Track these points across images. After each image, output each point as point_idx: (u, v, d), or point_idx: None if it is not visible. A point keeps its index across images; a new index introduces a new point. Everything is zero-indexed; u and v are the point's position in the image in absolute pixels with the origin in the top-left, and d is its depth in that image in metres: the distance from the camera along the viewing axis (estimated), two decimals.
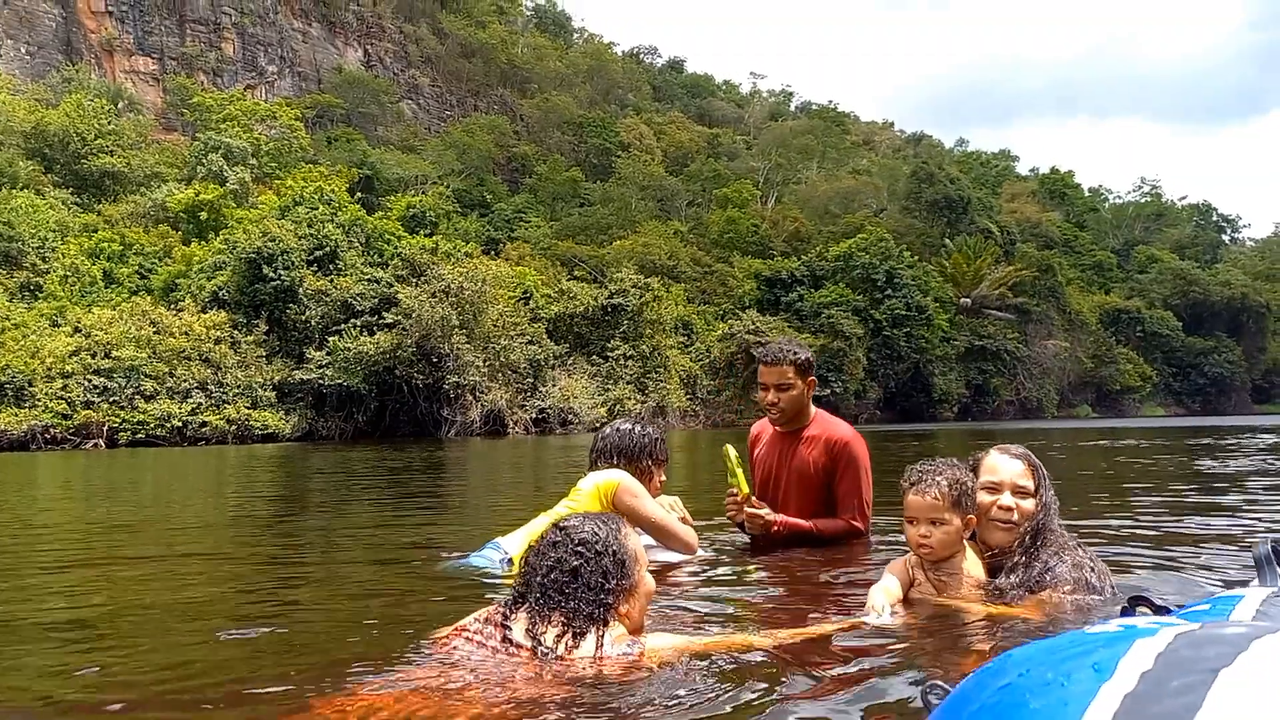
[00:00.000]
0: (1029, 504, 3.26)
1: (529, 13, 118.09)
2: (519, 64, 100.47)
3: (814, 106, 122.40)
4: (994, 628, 2.98)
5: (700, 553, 4.58)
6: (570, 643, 2.52)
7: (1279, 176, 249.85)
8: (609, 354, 49.74)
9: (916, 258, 69.86)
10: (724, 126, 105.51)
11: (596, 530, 2.73)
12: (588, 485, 4.35)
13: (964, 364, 69.20)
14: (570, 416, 43.80)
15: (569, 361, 47.95)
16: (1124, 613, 1.73)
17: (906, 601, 3.34)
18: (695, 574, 4.24)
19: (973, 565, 3.35)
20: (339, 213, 45.03)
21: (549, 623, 2.56)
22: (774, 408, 4.81)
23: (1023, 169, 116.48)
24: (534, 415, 42.87)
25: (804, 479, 4.81)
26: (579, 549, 2.67)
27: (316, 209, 44.07)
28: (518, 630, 2.57)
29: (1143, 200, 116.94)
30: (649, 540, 4.47)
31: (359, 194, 50.90)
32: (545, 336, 46.42)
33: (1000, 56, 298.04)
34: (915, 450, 17.42)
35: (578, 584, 2.61)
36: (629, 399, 47.84)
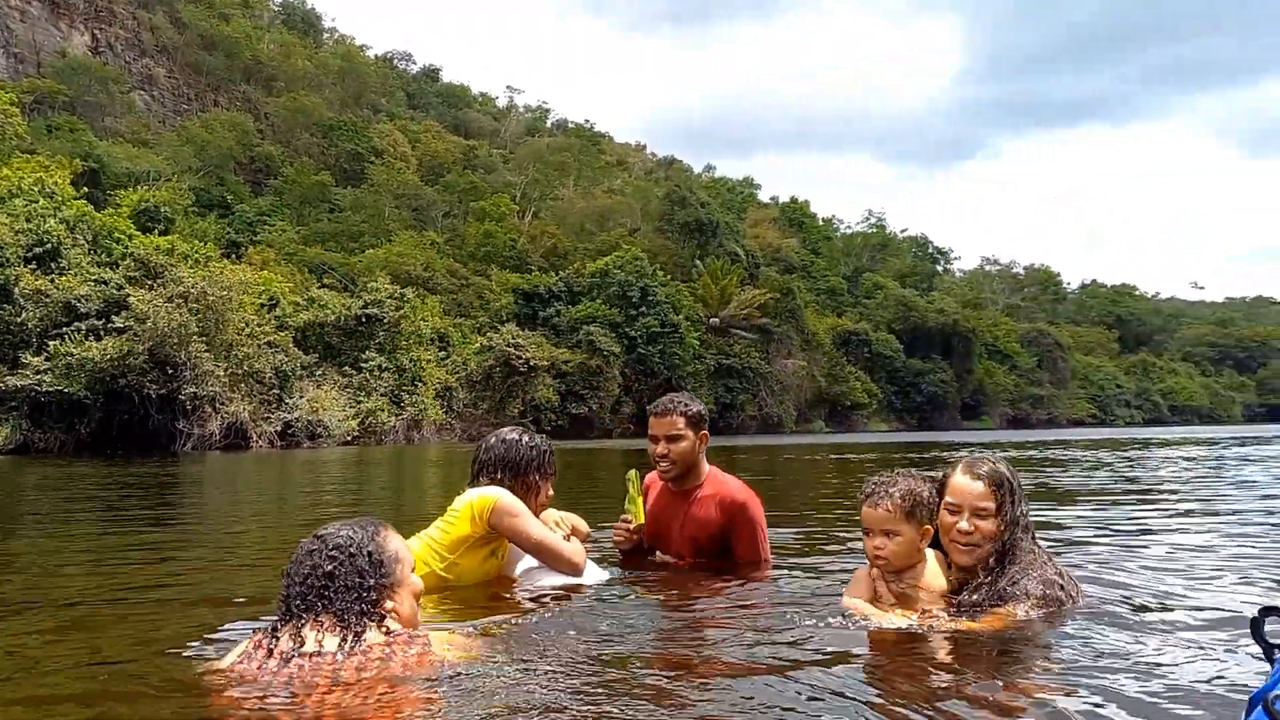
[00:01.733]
0: (989, 524, 3.20)
1: (276, 8, 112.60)
2: (264, 60, 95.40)
3: (570, 124, 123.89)
4: (953, 643, 2.96)
5: (601, 574, 4.24)
6: (350, 642, 2.56)
7: (982, 215, 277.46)
8: (362, 365, 48.02)
9: (669, 277, 72.03)
10: (480, 139, 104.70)
11: (351, 535, 2.76)
12: (461, 503, 4.01)
13: (713, 381, 71.91)
14: (319, 429, 41.84)
15: (318, 372, 45.84)
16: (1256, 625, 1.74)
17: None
18: (592, 596, 3.96)
19: (934, 576, 3.34)
20: (62, 207, 40.91)
21: (322, 627, 2.59)
22: (664, 460, 4.53)
23: (764, 196, 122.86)
24: (279, 428, 40.59)
25: (697, 540, 4.58)
26: (333, 553, 2.70)
27: (36, 202, 39.85)
28: (285, 641, 2.58)
29: (870, 231, 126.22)
30: (532, 562, 4.17)
31: (84, 188, 46.40)
32: (292, 345, 44.15)
33: (745, 90, 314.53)
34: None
35: (334, 586, 2.64)
36: (382, 411, 46.38)
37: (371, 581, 2.68)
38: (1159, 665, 2.76)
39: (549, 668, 2.77)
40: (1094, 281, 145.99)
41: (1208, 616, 3.41)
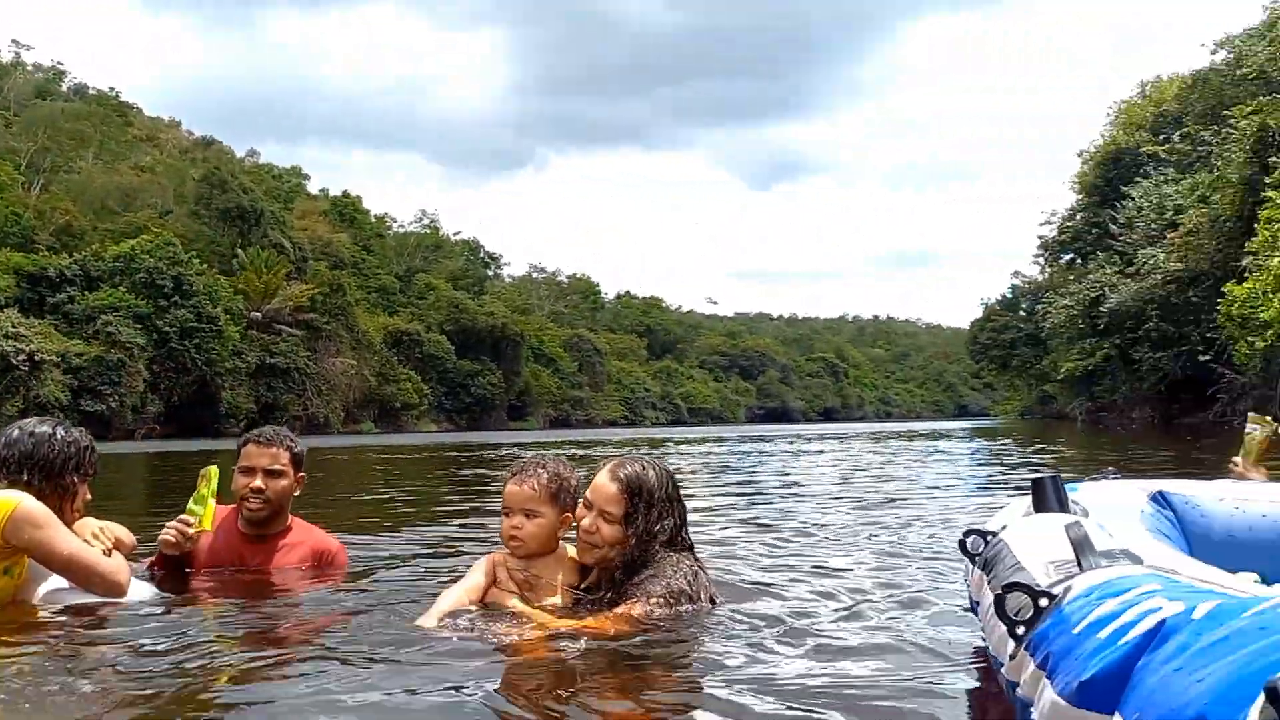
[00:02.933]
0: (611, 530, 3.08)
1: None
2: None
3: (92, 91, 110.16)
4: (567, 640, 2.82)
5: (146, 591, 3.58)
6: None
7: (531, 224, 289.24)
8: None
9: (207, 266, 66.58)
10: None
11: None
12: None
13: (254, 379, 67.63)
14: None
15: None
16: None
17: (483, 603, 3.06)
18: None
19: (568, 570, 3.18)
20: None
21: None
22: (257, 496, 3.94)
23: (314, 188, 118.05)
24: None
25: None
26: None
27: None
28: None
29: (423, 231, 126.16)
30: (60, 583, 3.39)
31: None
32: None
33: (293, 78, 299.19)
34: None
35: None
36: None
37: None
38: (790, 660, 2.78)
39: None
40: (628, 293, 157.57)
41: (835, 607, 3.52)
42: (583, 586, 3.19)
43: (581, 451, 22.12)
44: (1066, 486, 2.46)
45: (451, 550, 5.44)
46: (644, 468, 3.17)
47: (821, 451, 20.12)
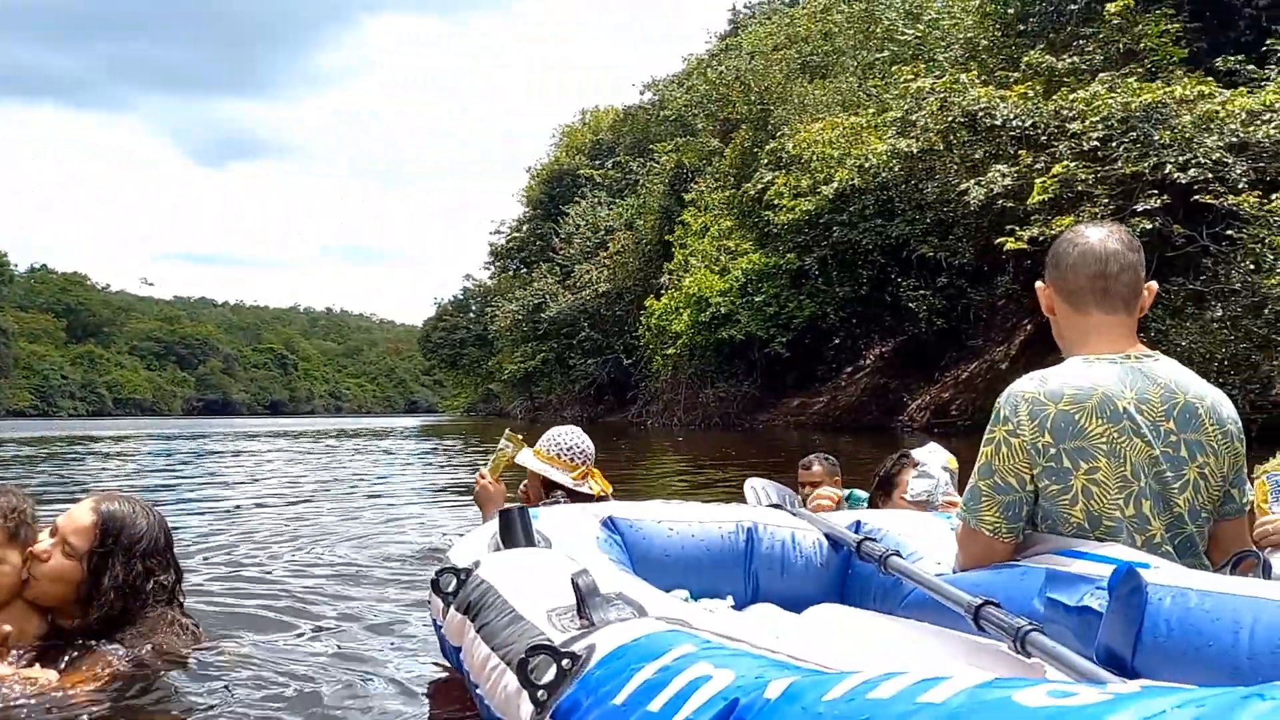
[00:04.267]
0: (63, 564, 2.52)
1: None
2: None
3: None
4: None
5: None
6: None
7: None
8: None
9: None
10: None
11: None
12: None
13: None
14: None
15: None
16: None
17: None
18: None
19: (38, 620, 2.59)
20: None
21: None
22: None
23: None
24: None
25: None
26: None
27: None
28: None
29: None
30: None
31: None
32: None
33: None
34: None
35: None
36: None
37: None
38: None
39: None
40: (44, 266, 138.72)
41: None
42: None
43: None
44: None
45: None
46: (133, 510, 2.69)
47: (264, 453, 19.03)
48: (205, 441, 23.69)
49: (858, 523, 2.79)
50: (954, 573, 2.22)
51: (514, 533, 2.32)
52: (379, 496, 9.09)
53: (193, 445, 21.70)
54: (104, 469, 14.40)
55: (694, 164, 35.16)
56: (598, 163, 53.70)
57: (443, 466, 14.50)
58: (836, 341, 26.21)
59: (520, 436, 4.06)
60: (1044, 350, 19.65)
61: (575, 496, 3.87)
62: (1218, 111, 14.17)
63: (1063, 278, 2.14)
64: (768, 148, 25.28)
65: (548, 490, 3.92)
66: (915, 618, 2.30)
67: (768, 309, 25.51)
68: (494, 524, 2.41)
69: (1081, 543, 1.99)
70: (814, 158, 22.19)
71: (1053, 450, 2.01)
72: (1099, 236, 2.11)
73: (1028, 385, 2.08)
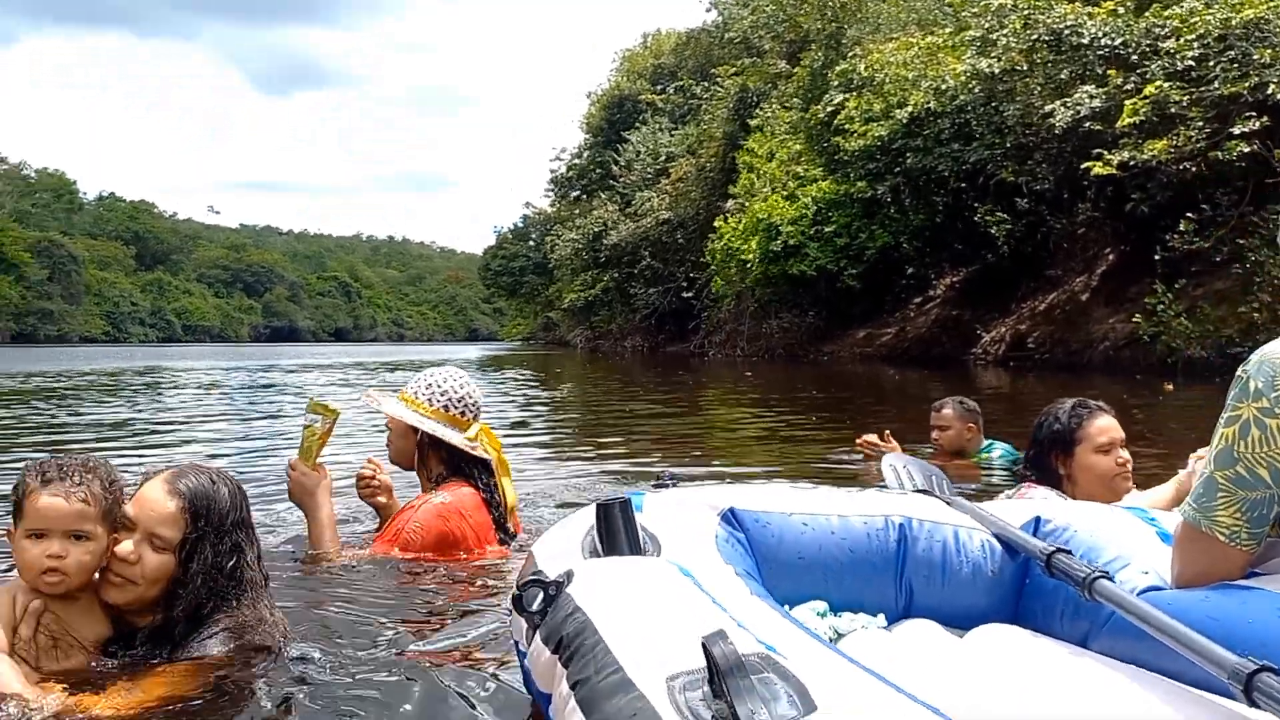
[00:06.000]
0: (159, 560, 2.17)
1: None
2: None
3: None
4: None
5: None
6: None
7: None
8: None
9: None
10: None
11: None
12: None
13: None
14: None
15: None
16: None
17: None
18: None
19: (99, 617, 2.21)
20: None
21: None
22: None
23: None
24: None
25: None
26: None
27: None
28: None
29: None
30: None
31: None
32: None
33: None
34: None
35: None
36: None
37: None
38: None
39: None
40: (113, 194, 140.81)
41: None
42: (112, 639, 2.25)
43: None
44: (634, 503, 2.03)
45: None
46: (212, 482, 2.29)
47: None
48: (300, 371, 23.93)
49: (1037, 519, 2.28)
50: (1170, 588, 1.80)
51: (616, 535, 1.91)
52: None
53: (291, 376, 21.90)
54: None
55: (759, 88, 34.16)
56: (659, 88, 52.64)
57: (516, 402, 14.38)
58: (910, 271, 25.30)
59: (329, 404, 3.20)
60: (1127, 281, 18.81)
61: (463, 460, 3.18)
62: None
63: None
64: (838, 69, 24.39)
65: (425, 453, 3.21)
66: (1119, 652, 1.79)
67: (838, 240, 24.77)
68: (587, 518, 2.01)
69: None
70: (887, 80, 21.37)
71: None
72: None
73: None
